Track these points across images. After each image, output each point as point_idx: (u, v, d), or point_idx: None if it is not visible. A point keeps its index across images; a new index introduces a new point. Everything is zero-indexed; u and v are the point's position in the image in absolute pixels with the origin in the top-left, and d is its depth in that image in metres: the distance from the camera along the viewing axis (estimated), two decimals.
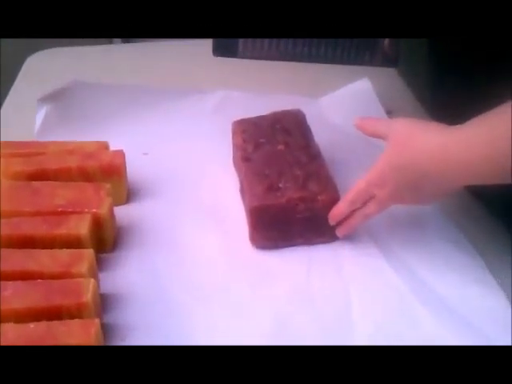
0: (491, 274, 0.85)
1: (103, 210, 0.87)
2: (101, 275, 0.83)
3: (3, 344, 0.68)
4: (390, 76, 1.20)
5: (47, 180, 0.91)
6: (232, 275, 0.86)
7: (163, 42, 1.34)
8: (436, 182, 0.78)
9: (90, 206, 0.87)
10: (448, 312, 0.80)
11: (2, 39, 1.55)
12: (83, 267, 0.78)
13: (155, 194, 0.99)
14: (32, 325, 0.71)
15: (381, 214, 0.86)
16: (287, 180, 0.89)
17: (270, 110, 1.03)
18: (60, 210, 0.86)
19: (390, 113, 1.12)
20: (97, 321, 0.73)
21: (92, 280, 0.76)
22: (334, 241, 0.90)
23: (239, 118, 1.04)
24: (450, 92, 0.98)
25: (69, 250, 0.80)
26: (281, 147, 0.95)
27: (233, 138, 1.02)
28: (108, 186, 0.90)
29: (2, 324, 0.71)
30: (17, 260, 0.78)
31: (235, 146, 1.01)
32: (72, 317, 0.73)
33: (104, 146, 0.98)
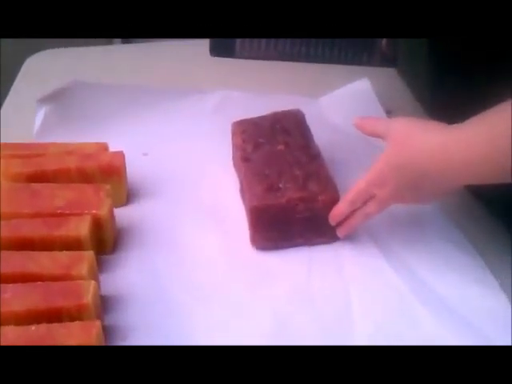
0: (491, 274, 0.85)
1: (103, 212, 0.86)
2: (101, 277, 0.83)
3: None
4: (389, 76, 1.19)
5: (46, 181, 0.91)
6: (232, 275, 0.86)
7: (163, 42, 1.33)
8: (436, 181, 0.78)
9: (89, 208, 0.86)
10: (448, 312, 0.80)
11: (2, 40, 1.55)
12: (83, 269, 0.78)
13: (155, 195, 0.99)
14: (33, 327, 0.71)
15: (381, 214, 0.86)
16: (287, 180, 0.89)
17: (269, 110, 1.03)
18: (60, 211, 0.86)
19: (389, 113, 1.12)
20: (98, 322, 0.73)
21: (92, 282, 0.76)
22: (334, 241, 0.90)
23: (239, 118, 1.04)
24: (450, 92, 0.98)
25: (69, 252, 0.80)
26: (280, 147, 0.95)
27: (232, 138, 1.02)
28: (108, 187, 0.90)
29: (3, 326, 0.71)
30: (17, 262, 0.78)
31: (235, 147, 1.01)
32: (72, 319, 0.73)
33: (103, 147, 0.98)
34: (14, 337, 0.70)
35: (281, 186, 0.89)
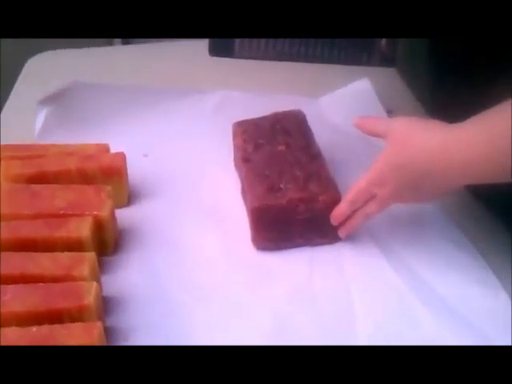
0: (492, 273, 0.85)
1: (104, 213, 0.86)
2: (103, 278, 0.83)
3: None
4: (389, 76, 1.19)
5: (47, 182, 0.91)
6: (233, 276, 0.86)
7: (162, 43, 1.34)
8: (436, 180, 0.78)
9: (90, 209, 0.86)
10: (448, 312, 0.80)
11: (3, 41, 1.55)
12: (85, 270, 0.78)
13: (156, 196, 0.99)
14: (34, 328, 0.71)
15: (381, 215, 0.86)
16: (288, 181, 0.89)
17: (270, 110, 1.03)
18: (61, 212, 0.86)
19: (390, 112, 1.12)
20: (99, 323, 0.73)
21: (94, 283, 0.76)
22: (335, 241, 0.90)
23: (239, 118, 1.04)
24: (450, 92, 0.98)
25: (70, 253, 0.80)
26: (281, 148, 0.96)
27: (233, 139, 1.02)
28: (109, 188, 0.90)
29: (4, 327, 0.71)
30: (17, 263, 0.78)
31: (236, 147, 1.01)
32: (74, 320, 0.73)
33: (104, 148, 0.98)
34: (16, 338, 0.70)
35: (282, 186, 0.89)
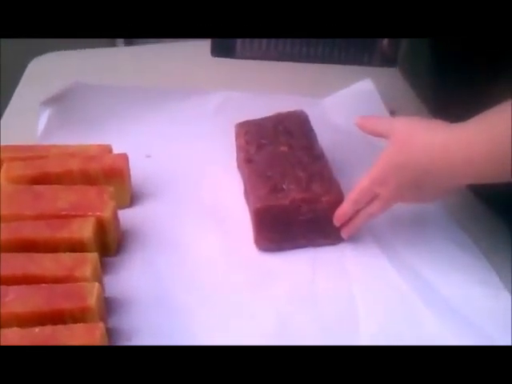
0: (494, 274, 0.85)
1: (107, 214, 0.86)
2: (105, 278, 0.83)
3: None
4: (392, 76, 1.19)
5: (49, 183, 0.91)
6: (236, 277, 0.86)
7: (164, 43, 1.34)
8: (437, 179, 0.79)
9: (93, 210, 0.86)
10: (451, 312, 0.80)
11: (6, 43, 1.55)
12: (87, 271, 0.78)
13: (159, 197, 0.99)
14: (36, 329, 0.71)
15: (384, 215, 0.86)
16: (290, 181, 0.89)
17: (272, 111, 1.03)
18: (63, 213, 0.86)
19: (393, 113, 1.12)
20: (101, 324, 0.73)
21: (96, 284, 0.76)
22: (337, 242, 0.90)
23: (242, 118, 1.04)
24: (452, 92, 0.98)
25: (72, 254, 0.80)
26: (284, 148, 0.95)
27: (236, 139, 1.02)
28: (111, 189, 0.90)
29: (7, 328, 0.71)
30: (20, 264, 0.78)
31: (238, 148, 1.01)
32: (76, 321, 0.73)
33: (107, 149, 0.98)
34: (18, 338, 0.70)
35: (284, 187, 0.89)
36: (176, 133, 1.11)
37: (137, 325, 0.79)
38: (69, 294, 0.75)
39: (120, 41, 1.74)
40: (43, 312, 0.73)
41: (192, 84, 1.24)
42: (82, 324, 0.73)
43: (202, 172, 1.03)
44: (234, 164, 1.03)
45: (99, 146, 0.99)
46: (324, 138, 0.99)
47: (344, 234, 0.89)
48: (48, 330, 0.71)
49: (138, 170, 0.99)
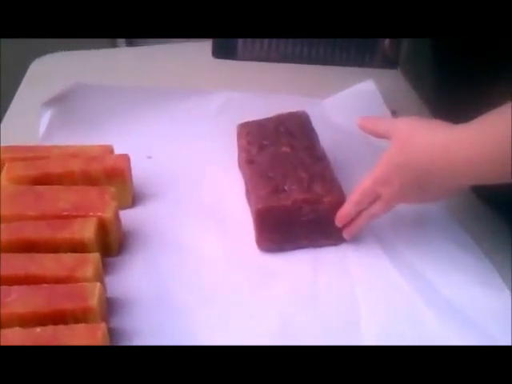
0: (497, 274, 0.85)
1: (108, 214, 0.86)
2: (107, 279, 0.83)
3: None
4: (393, 77, 1.19)
5: (51, 184, 0.91)
6: (237, 277, 0.86)
7: (166, 44, 1.34)
8: (438, 180, 0.79)
9: (94, 210, 0.86)
10: (453, 313, 0.80)
11: (7, 43, 1.55)
12: (88, 271, 0.78)
13: (161, 197, 0.99)
14: (38, 329, 0.71)
15: (386, 216, 0.86)
16: (292, 182, 0.89)
17: (273, 112, 1.03)
18: (65, 213, 0.86)
19: (394, 113, 1.12)
20: (103, 325, 0.73)
21: (98, 284, 0.76)
22: (339, 243, 0.90)
23: (243, 119, 1.04)
24: (454, 93, 0.98)
25: (74, 254, 0.80)
26: (285, 149, 0.95)
27: (237, 140, 1.02)
28: (112, 189, 0.90)
29: (8, 328, 0.71)
30: (21, 264, 0.78)
31: (240, 149, 1.01)
32: (78, 321, 0.73)
33: (109, 149, 0.98)
34: (19, 339, 0.70)
35: (286, 187, 0.89)
36: (177, 133, 1.11)
37: (138, 325, 0.79)
38: (70, 294, 0.75)
39: (121, 41, 1.74)
40: (45, 312, 0.73)
41: (193, 85, 1.24)
42: (83, 324, 0.73)
43: (203, 172, 1.03)
44: (236, 164, 1.03)
45: (101, 146, 0.99)
46: (325, 138, 0.99)
47: (346, 234, 0.89)
48: (49, 330, 0.71)
49: (140, 170, 0.99)
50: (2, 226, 0.83)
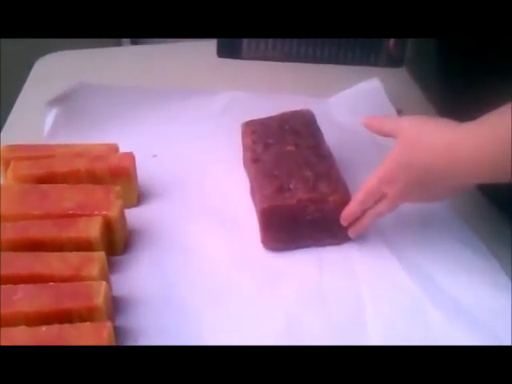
0: (503, 274, 0.85)
1: (113, 213, 0.86)
2: (112, 277, 0.83)
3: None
4: (399, 76, 1.19)
5: (56, 183, 0.91)
6: (242, 276, 0.86)
7: (170, 44, 1.34)
8: (442, 179, 0.78)
9: (99, 209, 0.86)
10: (459, 313, 0.80)
11: (11, 43, 1.55)
12: (94, 270, 0.78)
13: (166, 196, 0.99)
14: (44, 328, 0.71)
15: (391, 215, 0.86)
16: (297, 181, 0.89)
17: (279, 111, 1.03)
18: (70, 212, 0.86)
19: (400, 112, 1.12)
20: (109, 323, 0.73)
21: (104, 283, 0.76)
22: (344, 242, 0.90)
23: (248, 118, 1.04)
24: (460, 92, 0.98)
25: (79, 253, 0.80)
26: (290, 148, 0.95)
27: (242, 139, 1.02)
28: (118, 188, 0.90)
29: (14, 327, 0.71)
30: (27, 263, 0.78)
31: (245, 147, 1.01)
32: (83, 320, 0.73)
33: (114, 148, 0.98)
34: (25, 338, 0.70)
35: (291, 186, 0.89)
36: (182, 133, 1.11)
37: (144, 324, 0.79)
38: (76, 293, 0.75)
39: (126, 40, 1.74)
40: (50, 311, 0.73)
41: (198, 84, 1.24)
42: (89, 323, 0.72)
43: (208, 171, 1.03)
44: (240, 164, 1.03)
45: (106, 145, 0.99)
46: (330, 137, 0.99)
47: (351, 233, 0.89)
48: (55, 329, 0.71)
49: (145, 169, 0.99)
50: (8, 224, 0.83)
